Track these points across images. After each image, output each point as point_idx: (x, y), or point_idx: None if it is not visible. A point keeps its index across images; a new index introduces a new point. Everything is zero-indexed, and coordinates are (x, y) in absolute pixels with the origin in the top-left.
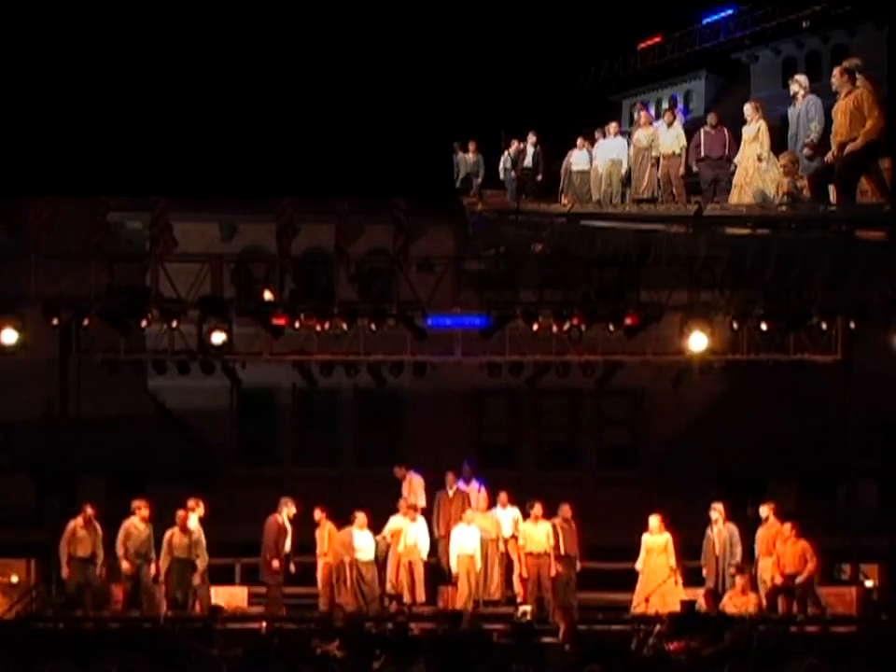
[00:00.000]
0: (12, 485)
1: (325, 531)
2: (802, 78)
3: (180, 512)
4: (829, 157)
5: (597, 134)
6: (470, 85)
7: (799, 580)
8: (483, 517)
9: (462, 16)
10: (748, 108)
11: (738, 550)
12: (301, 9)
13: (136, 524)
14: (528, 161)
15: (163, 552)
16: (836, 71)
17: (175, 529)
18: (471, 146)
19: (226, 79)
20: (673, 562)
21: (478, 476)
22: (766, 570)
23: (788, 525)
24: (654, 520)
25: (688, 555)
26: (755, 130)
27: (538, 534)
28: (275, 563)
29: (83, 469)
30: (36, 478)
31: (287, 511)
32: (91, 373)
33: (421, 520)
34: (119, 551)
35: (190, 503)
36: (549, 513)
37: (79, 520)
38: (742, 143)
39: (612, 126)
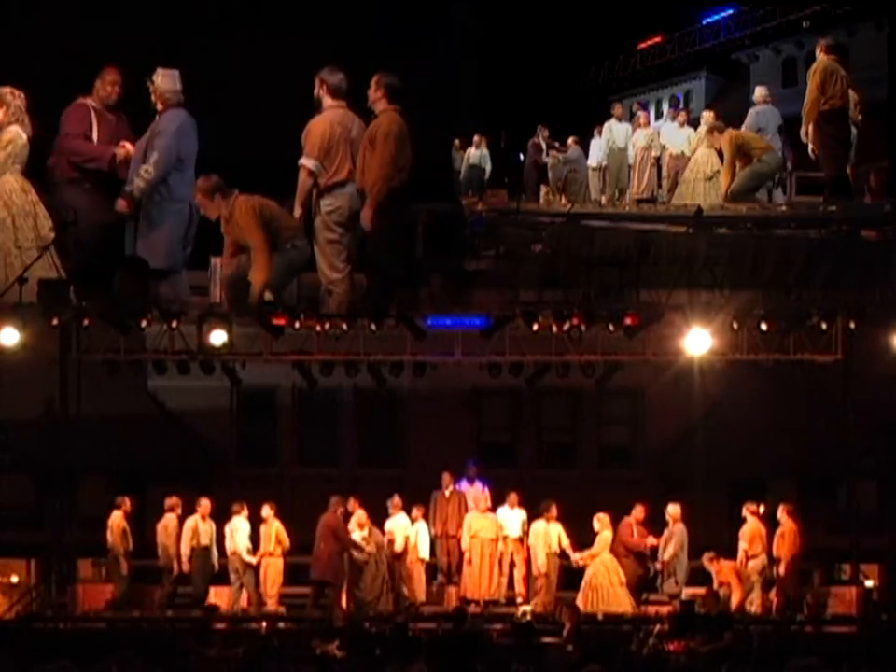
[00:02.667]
0: (12, 485)
1: (272, 529)
2: (758, 90)
3: (203, 501)
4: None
5: (595, 132)
6: (470, 85)
7: (781, 570)
8: (483, 517)
9: (461, 16)
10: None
11: (669, 548)
12: (303, 10)
13: (200, 521)
14: (545, 156)
15: (185, 540)
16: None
17: (197, 517)
18: (482, 140)
19: (225, 79)
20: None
21: (482, 476)
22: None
23: (781, 507)
24: (595, 520)
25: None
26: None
27: (551, 534)
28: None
29: (83, 469)
30: (36, 478)
31: (340, 511)
32: (91, 373)
33: (421, 521)
34: (185, 550)
35: (235, 506)
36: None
37: (120, 513)
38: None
39: (618, 108)
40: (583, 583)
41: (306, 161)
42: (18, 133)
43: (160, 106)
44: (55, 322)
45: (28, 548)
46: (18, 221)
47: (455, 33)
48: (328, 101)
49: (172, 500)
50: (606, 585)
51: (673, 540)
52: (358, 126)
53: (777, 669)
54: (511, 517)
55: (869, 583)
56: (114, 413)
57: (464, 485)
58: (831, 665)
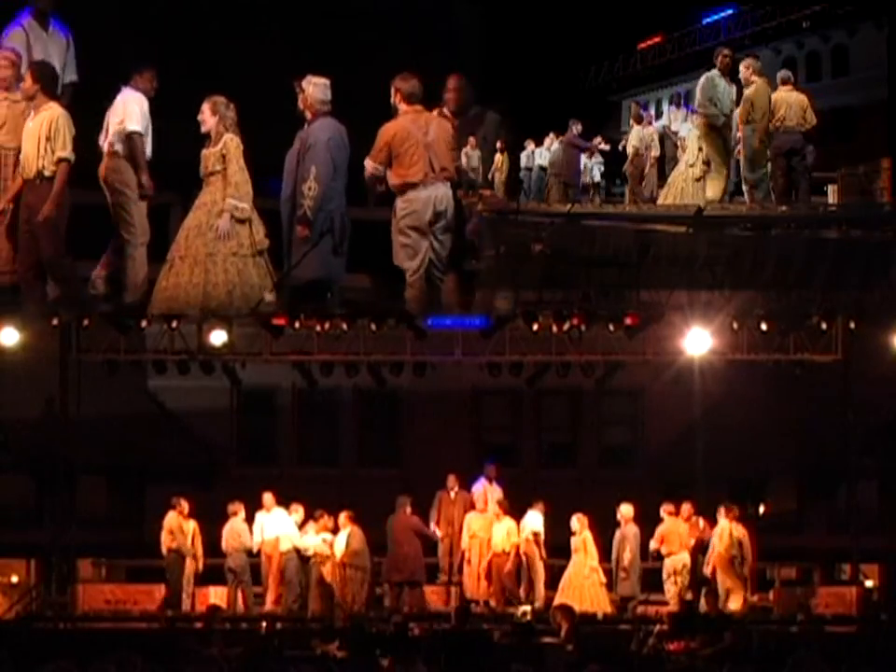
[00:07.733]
0: (12, 485)
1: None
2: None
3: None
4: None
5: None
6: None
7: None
8: (483, 517)
9: (462, 16)
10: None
11: (627, 553)
12: (306, 12)
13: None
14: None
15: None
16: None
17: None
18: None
19: (225, 79)
20: (594, 562)
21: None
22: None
23: (684, 507)
24: (574, 520)
25: None
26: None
27: (497, 532)
28: None
29: (83, 469)
30: (36, 478)
31: (409, 509)
32: (91, 373)
33: None
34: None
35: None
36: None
37: (175, 513)
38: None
39: (722, 59)
40: (562, 583)
41: (366, 162)
42: (238, 142)
43: (308, 115)
44: (55, 322)
45: (28, 548)
46: (235, 229)
47: (456, 33)
48: (402, 107)
49: (235, 506)
50: (587, 585)
51: (629, 543)
52: (436, 128)
53: (776, 669)
54: (536, 521)
55: (869, 583)
56: (114, 412)
57: (481, 485)
58: (831, 665)
